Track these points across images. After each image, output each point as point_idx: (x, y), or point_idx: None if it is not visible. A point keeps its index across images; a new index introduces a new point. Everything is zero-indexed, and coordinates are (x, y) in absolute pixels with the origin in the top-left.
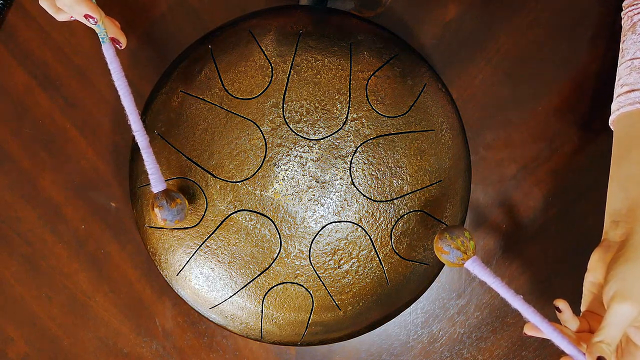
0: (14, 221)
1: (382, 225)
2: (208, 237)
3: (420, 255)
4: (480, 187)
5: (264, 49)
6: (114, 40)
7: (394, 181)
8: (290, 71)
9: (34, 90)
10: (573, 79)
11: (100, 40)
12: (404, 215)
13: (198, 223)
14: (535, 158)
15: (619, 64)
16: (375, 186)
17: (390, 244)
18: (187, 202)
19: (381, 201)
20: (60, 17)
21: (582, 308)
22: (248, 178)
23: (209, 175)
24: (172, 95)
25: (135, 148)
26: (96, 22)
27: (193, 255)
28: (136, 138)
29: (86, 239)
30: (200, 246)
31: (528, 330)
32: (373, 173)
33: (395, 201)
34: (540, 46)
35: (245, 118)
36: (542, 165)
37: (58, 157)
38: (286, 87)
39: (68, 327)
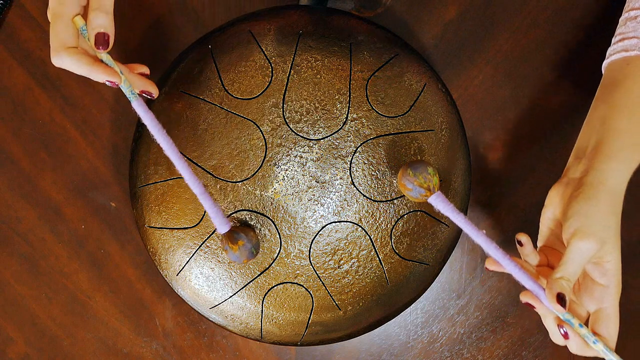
0: (14, 221)
1: (382, 225)
2: (208, 237)
3: (420, 255)
4: (480, 187)
5: (264, 49)
6: (144, 93)
7: (394, 181)
8: (290, 71)
9: (34, 90)
10: (573, 79)
11: (129, 99)
12: (404, 215)
13: (198, 223)
14: (535, 158)
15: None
16: (375, 186)
17: (390, 244)
18: (254, 236)
19: (381, 201)
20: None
21: (539, 243)
22: (248, 178)
23: (209, 175)
24: (172, 95)
25: (135, 148)
26: (117, 85)
27: (193, 255)
28: (191, 186)
29: (86, 239)
30: (200, 246)
31: (489, 265)
32: (373, 173)
33: (395, 201)
34: (540, 46)
35: (245, 118)
36: (542, 165)
37: (58, 157)
38: (286, 87)
39: (68, 327)
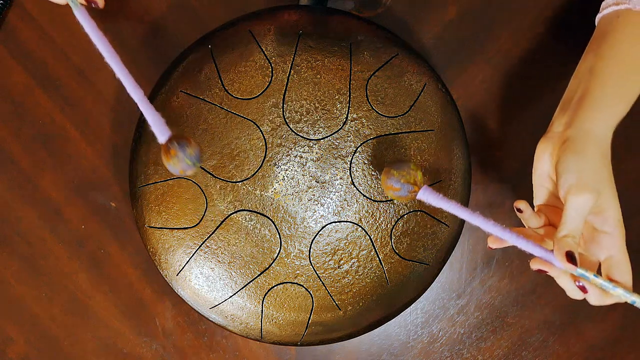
0: (14, 221)
1: (382, 225)
2: (208, 237)
3: (420, 255)
4: (480, 187)
5: (264, 49)
6: (91, 2)
7: None
8: (290, 71)
9: (34, 90)
10: None
11: (72, 6)
12: (404, 215)
13: (198, 223)
14: None
15: None
16: (375, 186)
17: (390, 244)
18: (190, 145)
19: (381, 201)
20: None
21: (536, 202)
22: (248, 178)
23: (209, 175)
24: (172, 95)
25: (135, 148)
26: None
27: (193, 255)
28: (130, 93)
29: (86, 239)
30: (200, 246)
31: (492, 244)
32: (373, 173)
33: (395, 201)
34: (540, 46)
35: (245, 118)
36: None
37: (58, 157)
38: (286, 87)
39: (68, 327)
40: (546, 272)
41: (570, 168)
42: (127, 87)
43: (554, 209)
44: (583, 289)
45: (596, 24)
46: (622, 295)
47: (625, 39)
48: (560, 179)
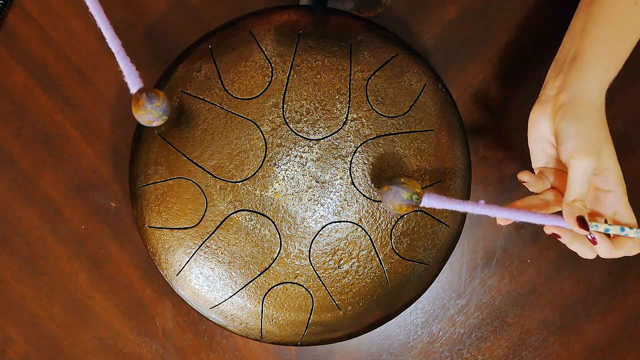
0: (14, 221)
1: (382, 225)
2: (208, 237)
3: (420, 255)
4: (480, 187)
5: (264, 49)
6: None
7: None
8: (290, 71)
9: (34, 90)
10: None
11: None
12: (404, 215)
13: (198, 223)
14: None
15: None
16: (375, 186)
17: (390, 244)
18: (159, 97)
19: (381, 201)
20: None
21: (535, 166)
22: (248, 178)
23: (209, 175)
24: (172, 95)
25: (135, 148)
26: None
27: (193, 255)
28: (109, 43)
29: (86, 239)
30: (200, 246)
31: (501, 221)
32: (373, 173)
33: None
34: (541, 46)
35: (245, 118)
36: None
37: (58, 157)
38: (286, 87)
39: (68, 327)
40: (559, 237)
41: (570, 133)
42: (105, 36)
43: (555, 171)
44: (594, 241)
45: None
46: (638, 233)
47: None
48: (561, 145)
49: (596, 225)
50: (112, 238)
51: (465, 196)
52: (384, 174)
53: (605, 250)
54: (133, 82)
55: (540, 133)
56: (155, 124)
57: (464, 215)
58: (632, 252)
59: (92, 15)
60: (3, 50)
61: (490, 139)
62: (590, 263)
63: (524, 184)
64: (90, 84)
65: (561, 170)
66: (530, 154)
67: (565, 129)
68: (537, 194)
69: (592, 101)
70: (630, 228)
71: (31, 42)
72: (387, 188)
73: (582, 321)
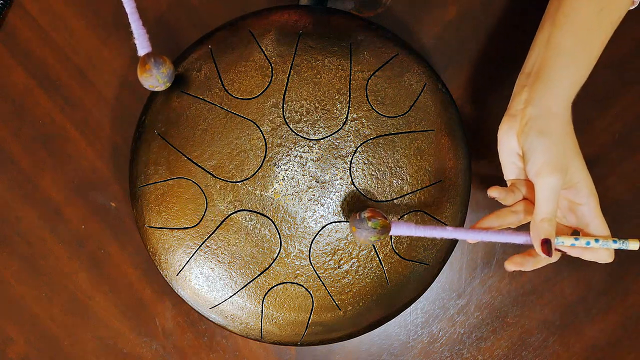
0: (14, 221)
1: None
2: (208, 237)
3: (420, 255)
4: (481, 187)
5: (264, 49)
6: None
7: (394, 181)
8: (290, 71)
9: (34, 90)
10: None
11: None
12: (404, 215)
13: (198, 223)
14: None
15: None
16: (375, 186)
17: (390, 244)
18: (165, 64)
19: (381, 201)
20: None
21: (506, 178)
22: (248, 178)
23: (209, 175)
24: (172, 95)
25: (135, 148)
26: None
27: (193, 255)
28: (124, 4)
29: (86, 239)
30: (200, 246)
31: (471, 241)
32: (373, 173)
33: (395, 201)
34: None
35: (245, 118)
36: None
37: (58, 157)
38: (286, 87)
39: (68, 327)
40: (522, 270)
41: (535, 150)
42: None
43: (526, 182)
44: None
45: None
46: (606, 245)
47: (580, 7)
48: (527, 163)
49: (562, 242)
50: (112, 238)
51: (465, 196)
52: (384, 175)
53: (577, 253)
54: (142, 45)
55: (510, 146)
56: (157, 89)
57: (464, 215)
58: (603, 260)
59: None
60: (3, 50)
61: (490, 139)
62: (590, 263)
63: (496, 199)
64: (90, 84)
65: (531, 181)
66: (502, 166)
67: (530, 146)
68: (510, 206)
69: (558, 114)
70: (596, 240)
71: (31, 42)
72: (354, 228)
73: (582, 321)
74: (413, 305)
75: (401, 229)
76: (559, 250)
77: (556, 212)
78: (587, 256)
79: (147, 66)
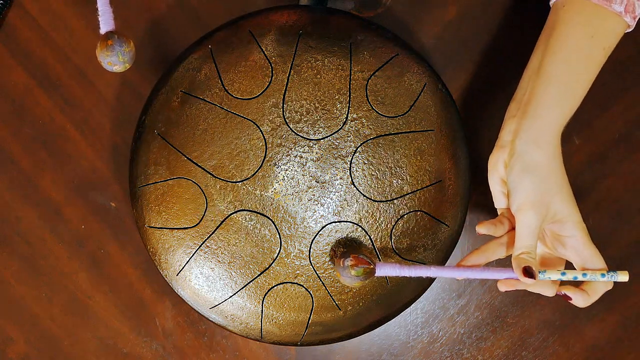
0: (14, 221)
1: (382, 225)
2: (208, 237)
3: (420, 256)
4: (481, 187)
5: (264, 49)
6: None
7: (394, 181)
8: (290, 71)
9: (34, 90)
10: None
11: None
12: (404, 215)
13: (198, 223)
14: None
15: None
16: (375, 186)
17: (390, 244)
18: (128, 43)
19: (381, 201)
20: None
21: (496, 206)
22: (248, 178)
23: (209, 175)
24: (172, 95)
25: (135, 148)
26: None
27: (193, 255)
28: None
29: (86, 239)
30: (200, 246)
31: (459, 279)
32: (373, 173)
33: (395, 201)
34: None
35: (245, 118)
36: None
37: (58, 157)
38: (286, 87)
39: (68, 327)
40: (514, 289)
41: (518, 186)
42: None
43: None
44: (565, 297)
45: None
46: (595, 279)
47: (572, 32)
48: (510, 197)
49: (544, 273)
50: (112, 238)
51: (466, 196)
52: (384, 175)
53: (582, 301)
54: (106, 23)
55: (499, 176)
56: (115, 69)
57: (464, 215)
58: (601, 292)
59: None
60: (3, 50)
61: (490, 139)
62: None
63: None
64: (90, 84)
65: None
66: (492, 195)
67: (513, 182)
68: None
69: (545, 148)
70: (584, 274)
71: (31, 42)
72: (338, 274)
73: (582, 321)
74: (413, 305)
75: (386, 270)
76: (563, 290)
77: (536, 246)
78: (590, 299)
79: (109, 42)
